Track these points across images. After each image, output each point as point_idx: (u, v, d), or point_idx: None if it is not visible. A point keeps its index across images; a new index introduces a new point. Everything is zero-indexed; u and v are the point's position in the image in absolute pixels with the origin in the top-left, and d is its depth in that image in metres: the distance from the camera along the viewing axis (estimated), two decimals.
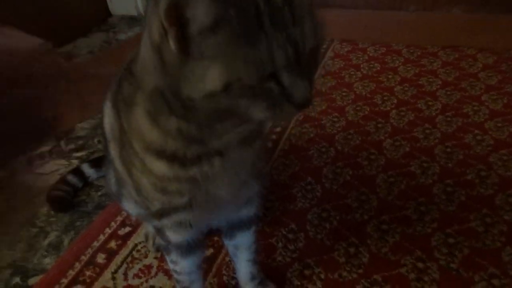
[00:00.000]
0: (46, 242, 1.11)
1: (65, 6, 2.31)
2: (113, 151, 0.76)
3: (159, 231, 0.77)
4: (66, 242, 1.10)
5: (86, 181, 1.28)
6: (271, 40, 0.45)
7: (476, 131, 1.32)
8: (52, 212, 1.20)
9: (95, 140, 1.49)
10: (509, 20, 1.97)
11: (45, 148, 1.47)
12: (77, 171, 1.28)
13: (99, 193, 1.25)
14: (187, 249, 0.78)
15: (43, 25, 2.15)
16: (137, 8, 2.54)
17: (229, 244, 0.84)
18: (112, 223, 1.12)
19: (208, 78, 0.46)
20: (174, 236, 0.75)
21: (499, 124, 1.34)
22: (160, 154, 0.62)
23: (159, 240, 0.99)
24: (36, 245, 1.11)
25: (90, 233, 1.10)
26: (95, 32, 2.44)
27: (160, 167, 0.63)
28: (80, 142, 1.49)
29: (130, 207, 0.94)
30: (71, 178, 1.26)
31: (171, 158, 0.62)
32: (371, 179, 1.17)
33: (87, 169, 1.28)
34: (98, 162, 1.26)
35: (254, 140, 0.64)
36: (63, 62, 2.08)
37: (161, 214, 0.71)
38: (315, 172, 1.22)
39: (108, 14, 2.60)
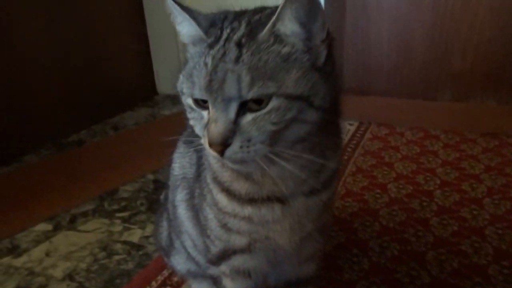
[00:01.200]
0: None
1: (115, 81, 2.50)
2: (179, 195, 0.78)
3: (216, 281, 0.75)
4: None
5: None
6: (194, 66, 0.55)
7: None
8: (92, 269, 1.19)
9: (138, 203, 1.51)
10: None
11: (89, 207, 1.50)
12: None
13: (141, 252, 1.24)
14: None
15: (93, 96, 2.32)
16: None
17: None
18: (153, 283, 1.09)
19: None
20: (232, 285, 0.74)
21: None
22: (222, 186, 0.65)
23: None
24: None
25: None
26: (141, 107, 2.59)
27: (222, 198, 0.65)
28: (123, 203, 1.51)
29: (180, 262, 0.93)
30: None
31: (229, 192, 0.64)
32: (421, 256, 1.13)
33: None
34: None
35: (322, 191, 0.65)
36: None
37: (221, 257, 0.71)
38: (361, 244, 1.18)
39: (155, 92, 2.79)
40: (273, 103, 0.52)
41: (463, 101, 2.26)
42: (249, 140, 0.53)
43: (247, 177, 0.62)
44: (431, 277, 1.05)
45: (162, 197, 1.36)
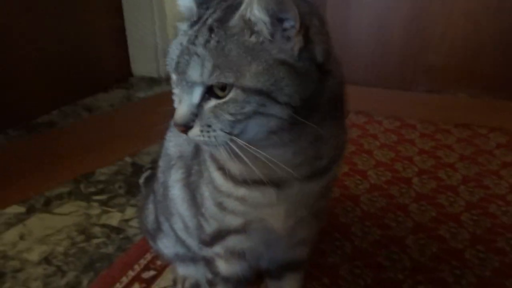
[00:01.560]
0: (64, 281, 1.05)
1: (88, 61, 2.41)
2: (174, 175, 0.76)
3: (209, 263, 0.74)
4: (85, 283, 1.04)
5: None
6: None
7: (500, 202, 1.33)
8: (70, 252, 1.15)
9: (116, 186, 1.47)
10: (506, 108, 2.09)
11: (63, 190, 1.44)
12: None
13: (121, 236, 1.21)
14: (234, 285, 0.74)
15: (64, 77, 2.23)
16: (158, 70, 2.66)
17: (274, 285, 0.81)
18: (136, 266, 1.07)
19: None
20: (225, 267, 0.73)
21: None
22: (218, 164, 0.64)
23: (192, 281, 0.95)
24: (52, 284, 1.04)
25: (111, 274, 1.04)
26: (115, 89, 2.52)
27: (218, 177, 0.65)
28: (101, 186, 1.47)
29: (168, 246, 0.92)
30: None
31: (224, 171, 0.63)
32: (401, 240, 1.16)
33: None
34: None
35: (320, 177, 0.64)
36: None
37: (216, 237, 0.70)
38: (343, 229, 1.20)
39: (130, 73, 2.71)
40: (231, 94, 0.51)
41: (437, 93, 2.32)
42: (209, 126, 0.53)
43: (238, 159, 0.60)
44: (412, 261, 1.08)
45: (141, 180, 1.34)
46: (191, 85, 0.52)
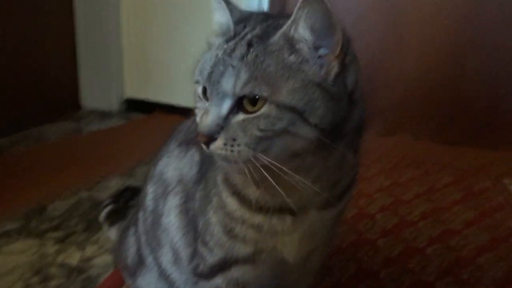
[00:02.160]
0: None
1: (38, 90, 2.27)
2: (171, 201, 0.72)
3: None
4: None
5: None
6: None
7: (458, 237, 1.41)
8: None
9: (72, 222, 1.36)
10: (458, 149, 2.27)
11: (12, 226, 1.30)
12: None
13: (83, 276, 1.11)
14: None
15: (13, 104, 2.08)
16: (111, 105, 2.57)
17: None
18: None
19: None
20: None
21: (476, 232, 1.45)
22: (233, 188, 0.62)
23: None
24: None
25: None
26: (65, 120, 2.38)
27: (232, 202, 0.63)
28: (55, 222, 1.35)
29: (149, 282, 0.85)
30: None
31: (240, 196, 0.61)
32: (375, 274, 1.18)
33: None
34: None
35: (334, 205, 0.65)
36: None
37: (219, 268, 0.66)
38: None
39: (78, 106, 2.58)
40: (264, 109, 0.51)
41: (389, 135, 2.46)
42: (234, 139, 0.52)
43: (259, 184, 0.59)
44: None
45: (102, 215, 1.25)
46: (222, 96, 0.52)
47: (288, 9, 2.30)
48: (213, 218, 0.65)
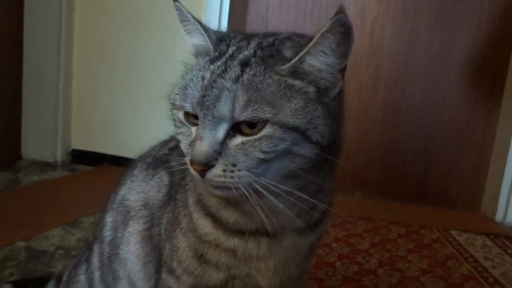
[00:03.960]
0: None
1: None
2: (132, 227, 0.67)
3: None
4: None
5: None
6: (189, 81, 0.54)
7: (417, 283, 1.41)
8: None
9: (6, 272, 1.20)
10: (402, 205, 2.34)
11: None
12: None
13: None
14: None
15: None
16: (55, 156, 2.42)
17: None
18: None
19: None
20: None
21: (432, 279, 1.46)
22: (207, 210, 0.59)
23: None
24: None
25: None
26: (0, 172, 2.20)
27: (205, 224, 0.59)
28: None
29: None
30: None
31: (215, 218, 0.58)
32: None
33: None
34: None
35: (311, 231, 0.63)
36: None
37: None
38: None
39: (19, 156, 2.42)
40: (266, 130, 0.49)
41: (336, 193, 2.50)
42: (234, 165, 0.49)
43: (238, 206, 0.57)
44: None
45: None
46: (217, 121, 0.49)
47: (247, 26, 2.39)
48: (182, 243, 0.60)
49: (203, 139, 0.49)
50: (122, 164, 2.35)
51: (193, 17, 0.58)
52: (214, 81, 0.50)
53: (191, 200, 0.60)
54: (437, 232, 1.94)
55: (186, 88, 0.53)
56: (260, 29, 2.35)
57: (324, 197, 0.62)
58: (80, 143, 2.50)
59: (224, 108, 0.49)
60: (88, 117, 2.47)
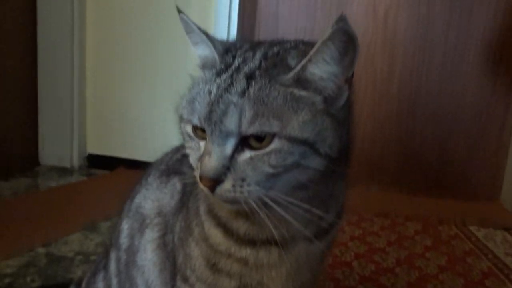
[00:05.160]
0: None
1: None
2: (148, 235, 0.67)
3: None
4: None
5: None
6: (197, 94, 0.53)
7: (435, 281, 1.39)
8: None
9: (28, 279, 1.23)
10: (419, 198, 2.32)
11: None
12: None
13: None
14: None
15: None
16: (71, 161, 2.46)
17: None
18: None
19: None
20: None
21: (451, 277, 1.44)
22: (218, 220, 0.59)
23: None
24: None
25: None
26: (19, 177, 2.24)
27: (216, 234, 0.59)
28: (7, 280, 1.21)
29: None
30: None
31: (226, 228, 0.58)
32: None
33: None
34: None
35: (323, 236, 0.63)
36: None
37: None
38: None
39: (36, 162, 2.46)
40: (274, 144, 0.49)
41: (352, 188, 2.49)
42: (243, 180, 0.49)
43: (248, 217, 0.57)
44: None
45: None
46: (225, 135, 0.49)
47: (256, 32, 2.39)
48: (195, 251, 0.61)
49: (212, 155, 0.49)
50: (137, 167, 2.40)
51: (199, 28, 0.57)
52: (221, 96, 0.50)
53: (202, 210, 0.60)
54: (454, 228, 1.91)
55: (193, 102, 0.52)
56: (270, 23, 2.34)
57: (334, 204, 0.61)
58: (95, 148, 2.53)
59: (231, 123, 0.48)
60: (102, 122, 2.50)
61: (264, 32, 2.38)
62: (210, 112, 0.50)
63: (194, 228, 0.60)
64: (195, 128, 0.53)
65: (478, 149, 2.38)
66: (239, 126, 0.48)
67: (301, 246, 0.60)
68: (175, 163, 0.71)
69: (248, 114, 0.48)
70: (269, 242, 0.58)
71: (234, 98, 0.49)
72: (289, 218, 0.51)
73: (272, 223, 0.52)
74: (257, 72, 0.51)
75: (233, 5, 2.24)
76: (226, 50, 0.57)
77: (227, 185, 0.49)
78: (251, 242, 0.58)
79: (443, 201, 2.31)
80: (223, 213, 0.58)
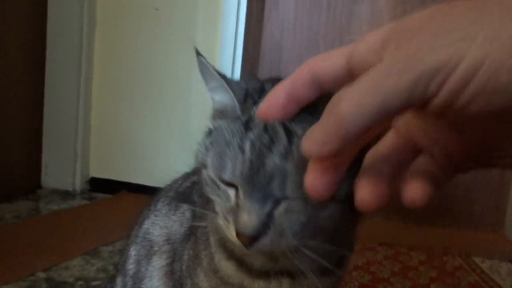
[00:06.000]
0: None
1: None
2: (156, 262, 0.67)
3: None
4: None
5: None
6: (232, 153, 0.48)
7: None
8: None
9: None
10: (422, 227, 2.30)
11: None
12: None
13: None
14: None
15: None
16: (74, 184, 2.46)
17: None
18: None
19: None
20: None
21: None
22: (230, 253, 0.58)
23: None
24: None
25: None
26: (21, 200, 2.24)
27: (228, 267, 0.58)
28: None
29: None
30: None
31: (240, 262, 0.58)
32: None
33: None
34: None
35: (332, 272, 0.62)
36: None
37: None
38: None
39: (38, 185, 2.46)
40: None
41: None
42: (280, 233, 0.47)
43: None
44: None
45: None
46: (266, 196, 0.46)
47: (261, 62, 2.41)
48: (204, 282, 0.60)
49: (251, 213, 0.46)
50: (139, 191, 2.40)
51: (218, 73, 0.52)
52: (263, 156, 0.45)
53: (213, 240, 0.59)
54: (459, 258, 1.89)
55: (222, 157, 0.48)
56: (274, 54, 2.38)
57: (346, 236, 0.61)
58: (98, 171, 2.53)
59: (275, 188, 0.45)
60: (106, 145, 2.52)
61: (267, 62, 2.43)
62: (250, 175, 0.46)
63: (203, 258, 0.60)
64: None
65: (481, 177, 2.37)
66: (284, 190, 0.46)
67: (311, 278, 0.59)
68: (185, 191, 0.71)
69: (295, 179, 0.44)
70: (281, 273, 0.58)
71: (277, 159, 0.45)
72: (317, 258, 0.51)
73: (298, 261, 0.52)
74: (293, 124, 0.46)
75: (238, 32, 2.28)
76: (246, 94, 0.52)
77: (266, 240, 0.47)
78: (265, 274, 0.57)
79: (447, 230, 2.29)
80: (237, 247, 0.57)
